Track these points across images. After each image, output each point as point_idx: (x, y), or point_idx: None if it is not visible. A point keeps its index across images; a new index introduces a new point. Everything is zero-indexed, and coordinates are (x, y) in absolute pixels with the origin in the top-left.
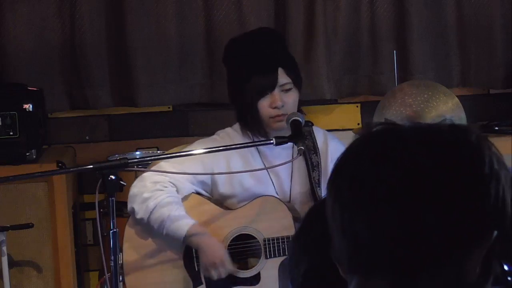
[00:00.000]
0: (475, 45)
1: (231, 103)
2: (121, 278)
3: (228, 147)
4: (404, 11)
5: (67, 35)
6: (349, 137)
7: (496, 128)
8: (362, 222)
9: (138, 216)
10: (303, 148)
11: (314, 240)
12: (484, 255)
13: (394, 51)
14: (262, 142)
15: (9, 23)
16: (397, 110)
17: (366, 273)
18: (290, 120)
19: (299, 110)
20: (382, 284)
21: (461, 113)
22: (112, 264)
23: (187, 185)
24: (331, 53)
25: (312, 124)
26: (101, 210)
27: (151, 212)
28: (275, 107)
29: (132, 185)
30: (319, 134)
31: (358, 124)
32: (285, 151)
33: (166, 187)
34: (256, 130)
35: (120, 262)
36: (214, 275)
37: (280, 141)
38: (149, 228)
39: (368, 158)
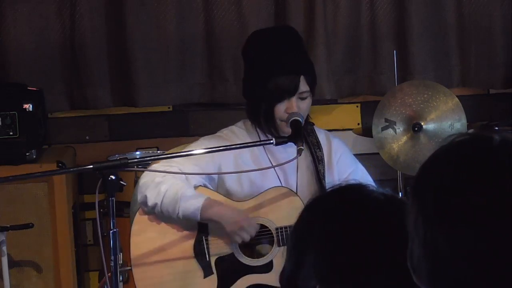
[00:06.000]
0: (475, 45)
1: (245, 98)
2: (121, 278)
3: (228, 147)
4: (404, 11)
5: (67, 35)
6: (349, 137)
7: (496, 128)
8: (444, 238)
9: (151, 202)
10: (302, 148)
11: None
12: None
13: (394, 51)
14: (262, 142)
15: (10, 23)
16: (397, 110)
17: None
18: (290, 120)
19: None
20: None
21: (461, 113)
22: (112, 264)
23: (196, 177)
24: (331, 53)
25: (313, 124)
26: (101, 210)
27: (164, 195)
28: (290, 113)
29: (141, 176)
30: (321, 133)
31: (358, 124)
32: (291, 147)
33: None
34: (268, 130)
35: (120, 262)
36: (245, 237)
37: (280, 141)
38: (159, 218)
39: (452, 172)
